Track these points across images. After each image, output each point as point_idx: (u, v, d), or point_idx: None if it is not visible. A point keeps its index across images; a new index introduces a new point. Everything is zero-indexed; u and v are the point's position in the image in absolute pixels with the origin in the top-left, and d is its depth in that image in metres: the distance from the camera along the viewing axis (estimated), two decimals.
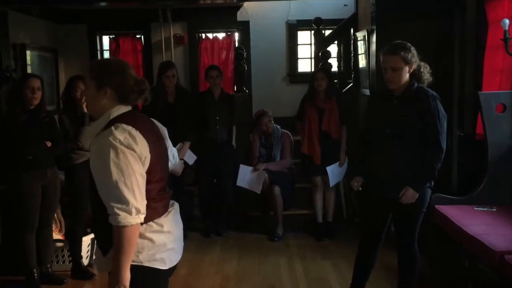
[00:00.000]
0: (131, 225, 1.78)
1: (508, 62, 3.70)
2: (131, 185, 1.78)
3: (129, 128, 1.83)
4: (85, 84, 2.02)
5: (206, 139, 4.93)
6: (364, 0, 5.20)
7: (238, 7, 6.62)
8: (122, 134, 1.80)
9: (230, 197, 5.06)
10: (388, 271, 3.91)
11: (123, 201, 1.76)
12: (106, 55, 7.10)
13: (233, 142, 5.06)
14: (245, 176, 4.97)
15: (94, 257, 4.26)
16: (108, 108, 1.90)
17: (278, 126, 5.17)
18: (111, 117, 1.88)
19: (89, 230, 4.17)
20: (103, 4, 5.98)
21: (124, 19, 6.55)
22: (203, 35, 6.86)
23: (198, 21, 6.71)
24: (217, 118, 4.91)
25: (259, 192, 4.93)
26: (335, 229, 4.88)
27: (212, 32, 6.86)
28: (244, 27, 6.77)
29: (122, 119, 1.87)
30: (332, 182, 4.80)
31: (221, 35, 6.88)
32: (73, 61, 6.59)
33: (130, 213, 1.77)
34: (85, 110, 3.77)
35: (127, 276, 1.81)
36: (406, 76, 2.84)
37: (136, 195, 1.79)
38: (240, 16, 6.71)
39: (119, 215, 1.76)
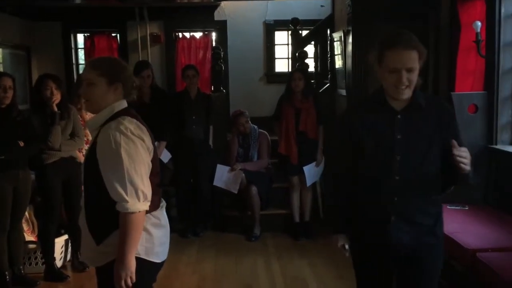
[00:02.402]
0: (139, 211, 1.85)
1: (480, 63, 3.78)
2: (140, 173, 1.86)
3: (134, 120, 1.94)
4: (90, 81, 1.97)
5: (183, 139, 4.90)
6: (340, 1, 5.25)
7: (215, 7, 6.61)
8: (132, 124, 1.90)
9: (207, 197, 5.04)
10: None
11: (133, 187, 1.84)
12: (81, 53, 7.00)
13: (210, 142, 5.04)
14: (222, 176, 4.96)
15: (68, 257, 4.19)
16: (111, 102, 1.98)
17: (255, 126, 5.18)
18: (115, 111, 1.96)
19: (62, 231, 4.09)
20: (78, 1, 5.89)
21: (99, 17, 6.46)
22: (180, 34, 6.82)
23: (175, 20, 6.67)
24: (194, 118, 4.88)
25: (236, 192, 4.93)
26: (312, 229, 4.90)
27: (189, 31, 6.82)
28: (221, 26, 6.76)
29: (125, 112, 1.97)
30: (309, 182, 4.82)
31: (198, 35, 6.85)
32: (47, 59, 6.47)
33: (139, 199, 1.85)
34: (55, 109, 3.71)
35: (133, 263, 1.87)
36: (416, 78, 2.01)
37: (145, 182, 1.88)
38: (218, 15, 6.70)
39: (127, 201, 1.82)
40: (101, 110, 1.98)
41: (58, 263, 4.03)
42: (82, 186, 2.03)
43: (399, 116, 1.99)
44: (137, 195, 1.84)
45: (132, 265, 1.86)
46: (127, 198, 1.82)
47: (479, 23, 3.52)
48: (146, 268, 1.96)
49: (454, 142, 1.81)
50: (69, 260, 4.19)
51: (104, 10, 6.40)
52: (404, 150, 1.96)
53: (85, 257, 2.10)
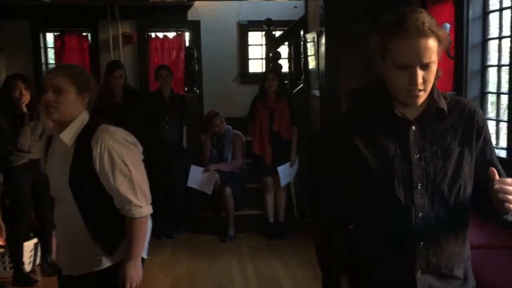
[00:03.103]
0: (146, 215, 1.95)
1: (449, 64, 3.85)
2: (144, 177, 1.96)
3: (119, 128, 1.97)
4: (60, 88, 1.89)
5: (156, 140, 4.85)
6: (314, 3, 5.29)
7: (189, 6, 6.57)
8: (122, 132, 1.94)
9: (181, 198, 5.00)
10: None
11: (143, 193, 1.93)
12: (51, 53, 6.85)
13: (184, 143, 5.00)
14: (196, 177, 4.93)
15: (37, 261, 4.09)
16: (79, 113, 1.96)
17: (230, 127, 5.17)
18: (86, 122, 1.95)
19: (32, 234, 4.00)
20: (46, 0, 5.78)
21: (69, 16, 6.33)
22: (153, 34, 6.75)
23: (148, 20, 6.60)
24: (167, 118, 4.84)
25: (210, 193, 4.91)
26: (286, 229, 4.92)
27: (162, 31, 6.77)
28: (194, 26, 6.73)
29: (98, 122, 1.96)
30: (283, 182, 4.84)
31: (171, 34, 6.80)
32: (15, 59, 6.31)
33: (147, 203, 1.96)
34: (25, 109, 3.63)
35: (141, 266, 1.98)
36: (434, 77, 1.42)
37: (148, 186, 1.97)
38: (191, 15, 6.66)
39: (140, 206, 1.91)
40: (68, 120, 1.93)
41: (27, 267, 3.93)
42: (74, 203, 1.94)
43: (413, 128, 1.43)
44: (146, 199, 1.95)
45: (141, 266, 1.98)
46: (139, 203, 1.91)
47: (448, 25, 3.59)
48: (142, 265, 2.06)
49: (493, 171, 1.29)
50: (39, 264, 4.09)
51: (75, 9, 6.28)
52: (426, 175, 1.42)
53: (77, 268, 2.01)
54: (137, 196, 1.91)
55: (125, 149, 1.91)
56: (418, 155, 1.42)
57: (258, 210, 5.10)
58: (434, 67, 1.36)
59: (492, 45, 3.54)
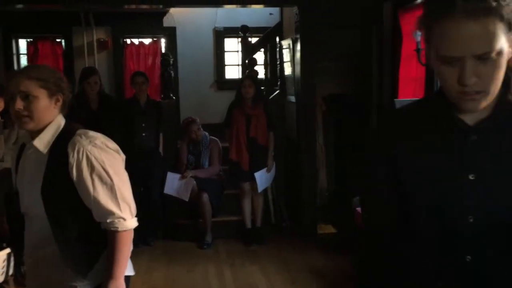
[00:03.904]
0: (130, 229, 1.75)
1: (420, 71, 3.95)
2: (128, 187, 1.76)
3: (99, 133, 1.79)
4: (28, 94, 1.70)
5: (132, 146, 4.81)
6: (289, 10, 5.35)
7: (164, 13, 6.55)
8: (102, 138, 1.76)
9: (158, 205, 4.97)
10: (316, 274, 4.02)
11: (126, 203, 1.73)
12: (23, 59, 6.74)
13: (160, 150, 4.98)
14: (173, 183, 4.91)
15: (10, 272, 4.00)
16: (54, 117, 1.77)
17: (207, 133, 5.17)
18: (62, 127, 1.78)
19: (4, 244, 3.91)
20: (19, 6, 5.68)
21: (43, 22, 6.23)
22: (128, 41, 6.71)
23: (123, 26, 6.56)
24: (144, 125, 4.81)
25: (187, 200, 4.89)
26: (263, 234, 4.94)
27: (138, 38, 6.73)
28: (170, 33, 6.72)
29: (75, 126, 1.79)
30: (260, 188, 4.85)
31: (147, 41, 6.77)
32: None
33: (132, 215, 1.76)
34: None
35: (125, 286, 1.76)
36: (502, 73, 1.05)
37: (132, 197, 1.77)
38: (167, 22, 6.65)
39: (123, 218, 1.71)
40: (42, 127, 1.74)
41: (0, 278, 3.84)
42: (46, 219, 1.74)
43: (474, 137, 1.08)
44: (131, 211, 1.75)
45: (125, 286, 1.76)
46: (122, 215, 1.71)
47: (419, 33, 3.68)
48: (128, 284, 1.86)
49: None
50: (12, 275, 4.00)
51: (48, 15, 6.18)
52: (482, 203, 1.06)
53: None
54: (120, 207, 1.70)
55: (106, 155, 1.71)
56: (474, 176, 1.06)
57: (236, 216, 5.10)
58: (499, 60, 0.99)
59: None
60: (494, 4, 0.96)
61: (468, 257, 1.08)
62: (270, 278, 4.03)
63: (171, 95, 5.74)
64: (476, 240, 1.06)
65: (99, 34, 6.51)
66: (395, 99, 3.90)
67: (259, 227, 4.97)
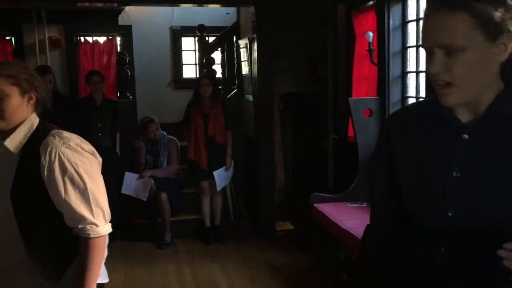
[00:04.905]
0: (104, 235, 1.67)
1: (373, 71, 4.09)
2: (102, 191, 1.68)
3: (74, 134, 1.71)
4: (1, 92, 1.62)
5: None
6: (245, 10, 5.40)
7: (120, 11, 6.46)
8: (77, 139, 1.68)
9: (116, 205, 4.90)
10: (274, 271, 4.10)
11: (100, 208, 1.65)
12: None
13: (117, 149, 4.92)
14: (131, 183, 4.87)
15: None
16: (26, 116, 1.69)
17: (165, 133, 5.15)
18: (35, 126, 1.69)
19: None
20: None
21: None
22: (82, 39, 6.57)
23: (76, 24, 6.41)
24: (100, 125, 4.74)
25: (145, 199, 4.85)
26: (223, 232, 4.97)
27: (92, 36, 6.60)
28: (126, 31, 6.62)
29: (50, 126, 1.71)
30: (219, 186, 4.88)
31: (101, 39, 6.64)
32: None
33: (106, 221, 1.67)
34: None
35: None
36: (492, 67, 1.08)
37: (107, 202, 1.69)
38: (122, 20, 6.55)
39: (97, 224, 1.63)
40: (14, 126, 1.66)
41: None
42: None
43: (465, 136, 1.11)
44: (104, 217, 1.67)
45: None
46: (95, 221, 1.63)
47: (371, 34, 3.82)
48: None
49: None
50: None
51: None
52: (461, 199, 1.09)
53: None
54: (93, 212, 1.63)
55: (80, 157, 1.64)
56: (458, 172, 1.09)
57: (195, 215, 5.11)
58: (469, 56, 1.02)
59: (411, 53, 3.80)
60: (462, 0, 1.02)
61: (443, 248, 1.13)
62: (230, 275, 4.07)
63: (128, 94, 5.68)
64: (453, 233, 1.10)
65: (51, 32, 6.34)
66: (349, 98, 4.03)
67: (219, 225, 5.00)
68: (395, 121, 1.26)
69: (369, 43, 3.82)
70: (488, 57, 1.04)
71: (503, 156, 1.06)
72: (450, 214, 1.10)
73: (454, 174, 1.10)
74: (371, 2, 4.02)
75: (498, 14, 1.01)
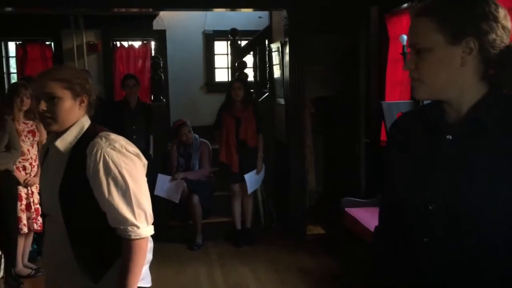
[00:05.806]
0: (145, 237, 1.69)
1: (406, 74, 4.03)
2: (145, 193, 1.70)
3: (121, 136, 1.75)
4: (53, 95, 1.69)
5: None
6: (278, 13, 5.41)
7: (154, 16, 6.58)
8: (123, 140, 1.72)
9: None
10: (304, 275, 4.08)
11: (142, 210, 1.67)
12: (12, 62, 6.73)
13: (151, 152, 5.01)
14: (163, 185, 4.94)
15: (1, 274, 4.00)
16: (78, 118, 1.75)
17: (197, 136, 5.21)
18: (85, 128, 1.75)
19: None
20: (9, 9, 5.68)
21: (32, 25, 6.22)
22: (118, 43, 6.73)
23: (113, 29, 6.57)
24: (134, 127, 4.83)
25: (177, 201, 4.92)
26: (253, 235, 4.98)
27: (127, 40, 6.75)
28: (160, 36, 6.75)
29: (99, 129, 1.76)
30: (250, 189, 4.90)
31: (137, 44, 6.79)
32: None
33: (148, 223, 1.69)
34: None
35: None
36: (459, 67, 1.14)
37: (149, 204, 1.71)
38: (156, 25, 6.67)
39: (139, 226, 1.65)
40: (67, 128, 1.73)
41: None
42: (62, 218, 1.70)
43: (449, 137, 1.17)
44: (146, 219, 1.68)
45: None
46: (137, 223, 1.64)
47: (405, 37, 3.76)
48: None
49: None
50: (2, 277, 4.01)
51: (37, 18, 6.18)
52: (442, 196, 1.17)
53: None
54: (134, 213, 1.64)
55: (124, 158, 1.67)
56: (441, 172, 1.17)
57: (226, 217, 5.14)
58: (431, 56, 1.14)
59: None
60: (429, 7, 1.15)
61: (426, 239, 1.20)
62: (260, 278, 4.07)
63: (161, 97, 5.77)
64: (433, 225, 1.18)
65: (89, 37, 6.52)
66: (382, 102, 3.98)
67: (249, 228, 5.02)
68: (395, 124, 1.37)
69: (403, 46, 3.77)
70: (452, 58, 1.14)
71: (481, 157, 1.13)
72: (430, 208, 1.18)
73: (436, 171, 1.18)
74: (405, 5, 3.96)
75: (459, 19, 1.12)
